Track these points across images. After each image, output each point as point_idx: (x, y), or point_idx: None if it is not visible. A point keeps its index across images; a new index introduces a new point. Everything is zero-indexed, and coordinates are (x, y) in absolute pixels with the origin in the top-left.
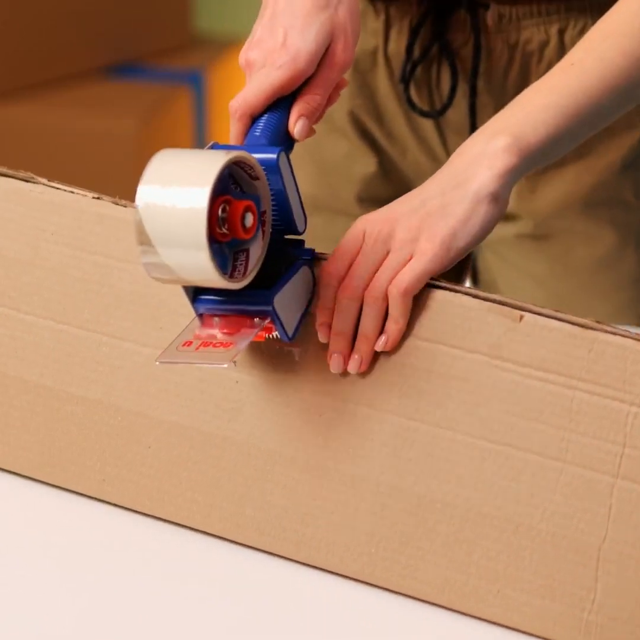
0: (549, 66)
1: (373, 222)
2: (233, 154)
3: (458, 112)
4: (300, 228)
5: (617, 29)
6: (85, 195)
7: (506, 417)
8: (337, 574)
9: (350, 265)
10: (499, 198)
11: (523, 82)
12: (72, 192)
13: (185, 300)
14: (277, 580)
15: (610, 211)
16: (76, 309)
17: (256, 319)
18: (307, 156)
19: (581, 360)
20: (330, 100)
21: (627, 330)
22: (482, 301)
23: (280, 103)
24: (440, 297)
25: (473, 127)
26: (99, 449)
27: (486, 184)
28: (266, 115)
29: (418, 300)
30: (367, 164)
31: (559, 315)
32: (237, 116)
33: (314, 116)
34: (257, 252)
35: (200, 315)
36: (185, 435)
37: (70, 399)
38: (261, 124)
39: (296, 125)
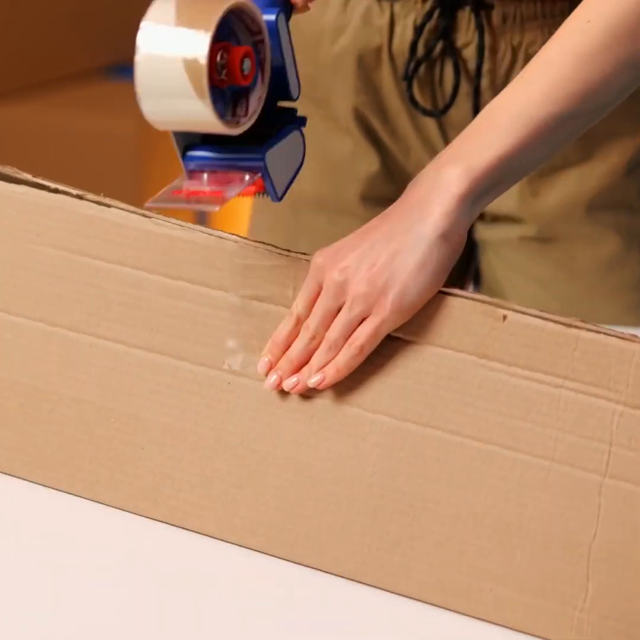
0: None
1: (327, 271)
2: (234, 1)
3: (461, 111)
4: (294, 94)
5: (567, 30)
6: (68, 193)
7: (494, 416)
8: (330, 573)
9: (311, 306)
10: (450, 236)
11: None
12: (57, 190)
13: (176, 303)
14: (270, 580)
15: (615, 215)
16: (66, 311)
17: (246, 176)
18: (312, 155)
19: (566, 359)
20: None
21: (611, 329)
22: (466, 301)
23: None
24: None
25: None
26: (92, 451)
27: (435, 225)
28: None
29: None
30: (371, 163)
31: (543, 314)
32: None
33: None
34: (256, 99)
35: (189, 172)
36: (178, 437)
37: (62, 400)
38: None
39: None
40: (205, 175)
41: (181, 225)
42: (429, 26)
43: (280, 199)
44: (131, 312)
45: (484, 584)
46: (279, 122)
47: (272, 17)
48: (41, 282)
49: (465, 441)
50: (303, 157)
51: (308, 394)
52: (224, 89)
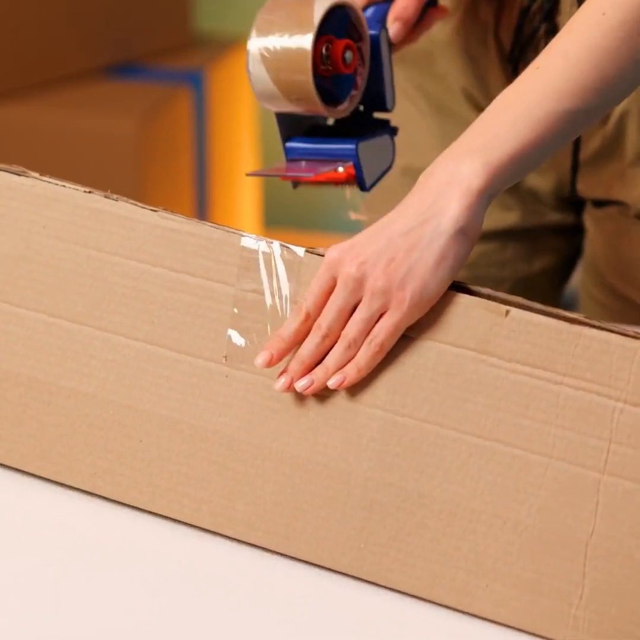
0: None
1: (342, 266)
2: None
3: None
4: (389, 105)
5: (581, 23)
6: (77, 189)
7: (493, 412)
8: (326, 568)
9: (322, 303)
10: (468, 230)
11: None
12: (64, 186)
13: (177, 295)
14: (266, 574)
15: None
16: (69, 303)
17: (339, 165)
18: (427, 127)
19: (567, 356)
20: (425, 24)
21: (614, 325)
22: (469, 296)
23: (381, 4)
24: None
25: None
26: (90, 443)
27: (455, 219)
28: (371, 8)
29: None
30: None
31: (545, 310)
32: None
33: (409, 22)
34: (358, 86)
35: (288, 160)
36: (176, 429)
37: (62, 392)
38: (368, 11)
39: (392, 26)
40: (303, 163)
41: (187, 219)
42: (533, 8)
43: (368, 189)
44: (132, 304)
45: (480, 580)
46: (373, 126)
47: (376, 31)
48: (44, 274)
49: (463, 437)
50: (392, 162)
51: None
52: (326, 78)
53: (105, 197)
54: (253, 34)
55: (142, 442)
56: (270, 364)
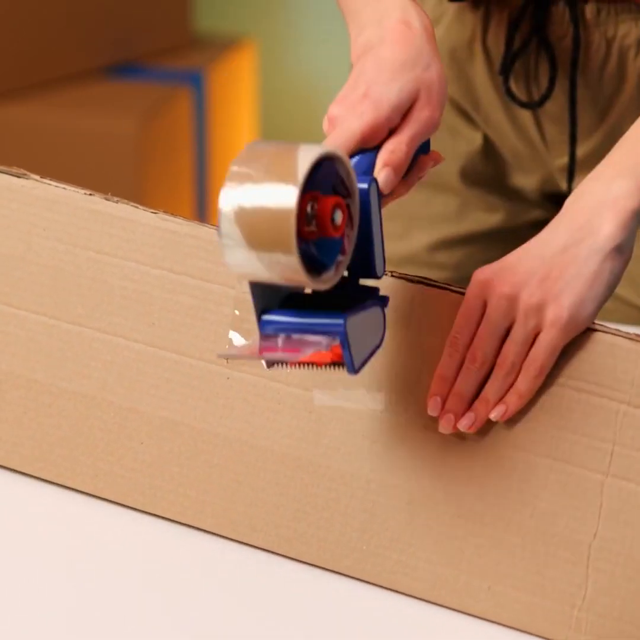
0: None
1: (493, 287)
2: (327, 149)
3: (555, 103)
4: (379, 272)
5: None
6: (77, 192)
7: None
8: (328, 570)
9: (474, 333)
10: (623, 249)
11: (620, 75)
12: (65, 189)
13: (178, 298)
14: (268, 575)
15: None
16: (69, 305)
17: (323, 340)
18: None
19: (571, 358)
20: (419, 167)
21: (617, 329)
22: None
23: (368, 151)
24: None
25: (573, 119)
26: (91, 445)
27: (611, 237)
28: (357, 156)
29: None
30: (470, 141)
31: None
32: None
33: (400, 169)
34: (345, 251)
35: (263, 335)
36: (177, 431)
37: (62, 394)
38: (354, 162)
39: (380, 174)
40: (279, 339)
41: (187, 221)
42: (523, 20)
43: (357, 371)
44: (132, 306)
45: (482, 582)
46: (361, 296)
47: (365, 185)
48: (45, 275)
49: (466, 439)
50: (383, 337)
51: (307, 390)
52: (310, 242)
53: (106, 199)
54: (225, 188)
55: (143, 444)
56: (442, 411)
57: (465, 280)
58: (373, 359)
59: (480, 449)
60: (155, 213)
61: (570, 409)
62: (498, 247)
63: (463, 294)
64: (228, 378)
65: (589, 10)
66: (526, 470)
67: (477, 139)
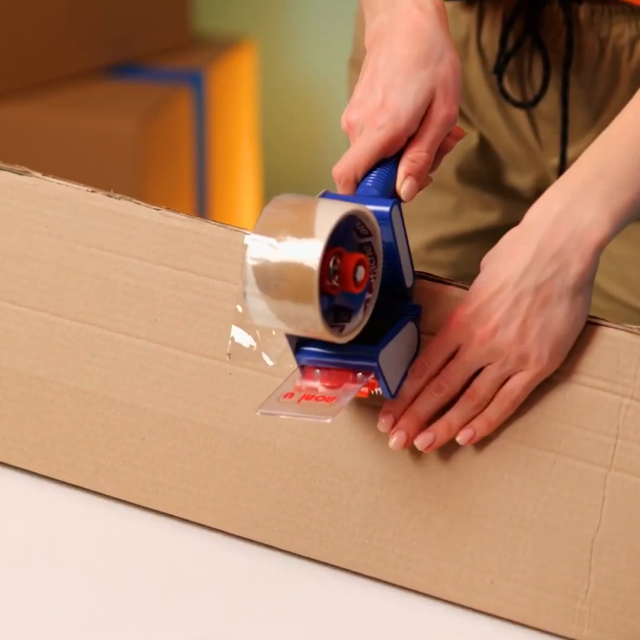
0: None
1: (471, 332)
2: (351, 207)
3: (549, 102)
4: (408, 283)
5: None
6: (80, 189)
7: None
8: (330, 565)
9: (442, 366)
10: (592, 278)
11: (613, 76)
12: (67, 186)
13: (180, 294)
14: (271, 571)
15: None
16: (70, 301)
17: (359, 374)
18: None
19: (574, 353)
20: (443, 149)
21: (618, 323)
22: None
23: (389, 158)
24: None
25: (564, 119)
26: (93, 441)
27: (581, 274)
28: (377, 169)
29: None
30: (466, 139)
31: None
32: (342, 183)
33: (422, 175)
34: (364, 308)
35: (301, 366)
36: (179, 427)
37: (64, 390)
38: (373, 176)
39: (403, 185)
40: (317, 371)
41: (189, 217)
42: (517, 20)
43: (394, 396)
44: (134, 302)
45: (485, 576)
46: (393, 313)
47: (387, 208)
48: (46, 272)
49: None
50: (419, 347)
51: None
52: (334, 296)
53: (108, 196)
54: (252, 240)
55: (144, 440)
56: (394, 428)
57: (462, 279)
58: None
59: (483, 444)
60: (157, 209)
61: (573, 403)
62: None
63: (466, 288)
64: (230, 374)
65: (583, 11)
66: (529, 464)
67: (472, 138)
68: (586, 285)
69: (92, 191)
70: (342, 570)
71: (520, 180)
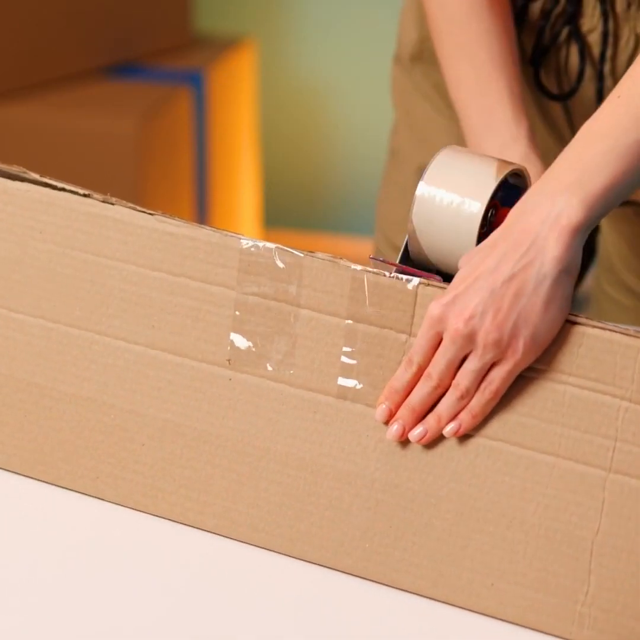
0: None
1: (448, 323)
2: (511, 166)
3: (584, 95)
4: None
5: None
6: (75, 192)
7: (499, 413)
8: (331, 568)
9: (431, 355)
10: (570, 269)
11: None
12: (63, 189)
13: (177, 299)
14: (271, 575)
15: None
16: (67, 307)
17: None
18: (445, 126)
19: (571, 355)
20: None
21: (616, 325)
22: None
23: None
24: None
25: None
26: (92, 447)
27: (557, 260)
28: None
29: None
30: None
31: None
32: None
33: None
34: None
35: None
36: (178, 433)
37: (63, 397)
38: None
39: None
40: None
41: (185, 223)
42: (555, 11)
43: None
44: (132, 308)
45: (485, 579)
46: None
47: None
48: (43, 279)
49: (470, 437)
50: None
51: (310, 390)
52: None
53: (103, 201)
54: (425, 178)
55: (144, 446)
56: (390, 417)
57: None
58: (373, 359)
59: (483, 447)
60: (152, 215)
61: (572, 406)
62: None
63: None
64: (230, 379)
65: (619, 3)
66: (529, 468)
67: None
68: (564, 274)
69: (87, 196)
70: (343, 574)
71: None
